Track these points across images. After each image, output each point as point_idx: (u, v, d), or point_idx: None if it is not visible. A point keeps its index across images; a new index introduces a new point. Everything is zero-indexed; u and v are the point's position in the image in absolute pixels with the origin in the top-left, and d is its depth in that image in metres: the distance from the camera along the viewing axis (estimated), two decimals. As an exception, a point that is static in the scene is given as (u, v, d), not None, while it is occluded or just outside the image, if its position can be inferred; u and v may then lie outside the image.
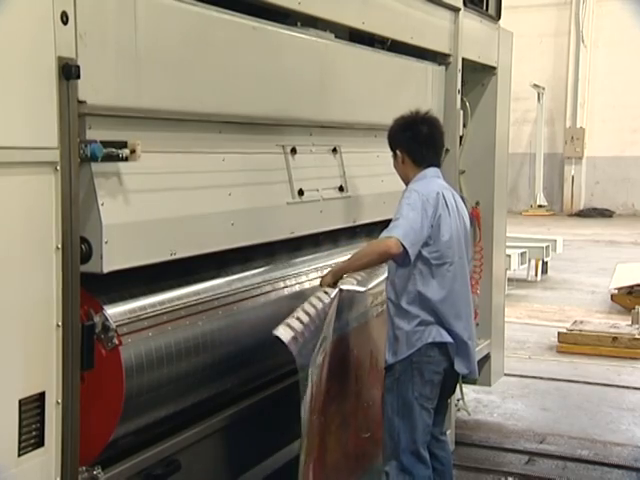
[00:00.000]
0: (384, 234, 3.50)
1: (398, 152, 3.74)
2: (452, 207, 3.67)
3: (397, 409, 3.57)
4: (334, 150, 3.88)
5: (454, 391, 4.00)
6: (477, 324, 5.47)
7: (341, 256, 4.00)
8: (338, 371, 3.57)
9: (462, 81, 5.02)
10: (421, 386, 3.57)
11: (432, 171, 3.74)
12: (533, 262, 11.99)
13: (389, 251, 3.46)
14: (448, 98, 4.91)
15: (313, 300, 3.43)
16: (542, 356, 8.03)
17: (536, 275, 12.08)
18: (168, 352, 2.86)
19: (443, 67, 4.87)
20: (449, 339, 3.59)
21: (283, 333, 3.21)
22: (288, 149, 3.57)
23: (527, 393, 6.78)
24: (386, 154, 3.83)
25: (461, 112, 5.07)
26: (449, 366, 3.63)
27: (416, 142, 3.71)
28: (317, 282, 3.67)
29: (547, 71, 22.69)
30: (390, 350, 3.61)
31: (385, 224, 3.69)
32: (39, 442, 2.34)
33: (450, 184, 5.01)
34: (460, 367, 3.68)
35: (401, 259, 3.51)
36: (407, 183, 3.74)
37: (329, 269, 3.65)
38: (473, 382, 4.93)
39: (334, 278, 3.55)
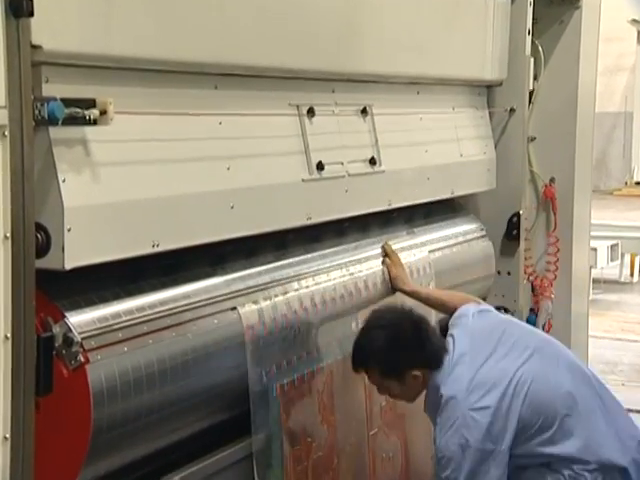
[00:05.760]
0: None
1: (414, 373, 3.44)
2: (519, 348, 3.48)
3: None
4: (364, 111, 3.89)
5: None
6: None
7: (372, 249, 4.02)
8: (341, 409, 3.54)
9: (534, 18, 5.02)
10: None
11: (461, 342, 3.50)
12: (627, 258, 11.96)
13: None
14: (514, 41, 4.91)
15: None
16: None
17: (632, 275, 12.05)
18: (149, 372, 2.89)
19: (508, 0, 4.87)
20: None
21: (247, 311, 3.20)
22: (304, 110, 3.59)
23: (619, 429, 6.76)
24: (432, 115, 3.82)
25: (532, 59, 5.07)
26: None
27: (422, 345, 3.47)
28: (340, 281, 3.73)
29: (649, 3, 22.53)
30: None
31: (428, 208, 3.63)
32: (-18, 489, 2.38)
33: (516, 156, 4.95)
34: None
35: None
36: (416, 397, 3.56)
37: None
38: None
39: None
